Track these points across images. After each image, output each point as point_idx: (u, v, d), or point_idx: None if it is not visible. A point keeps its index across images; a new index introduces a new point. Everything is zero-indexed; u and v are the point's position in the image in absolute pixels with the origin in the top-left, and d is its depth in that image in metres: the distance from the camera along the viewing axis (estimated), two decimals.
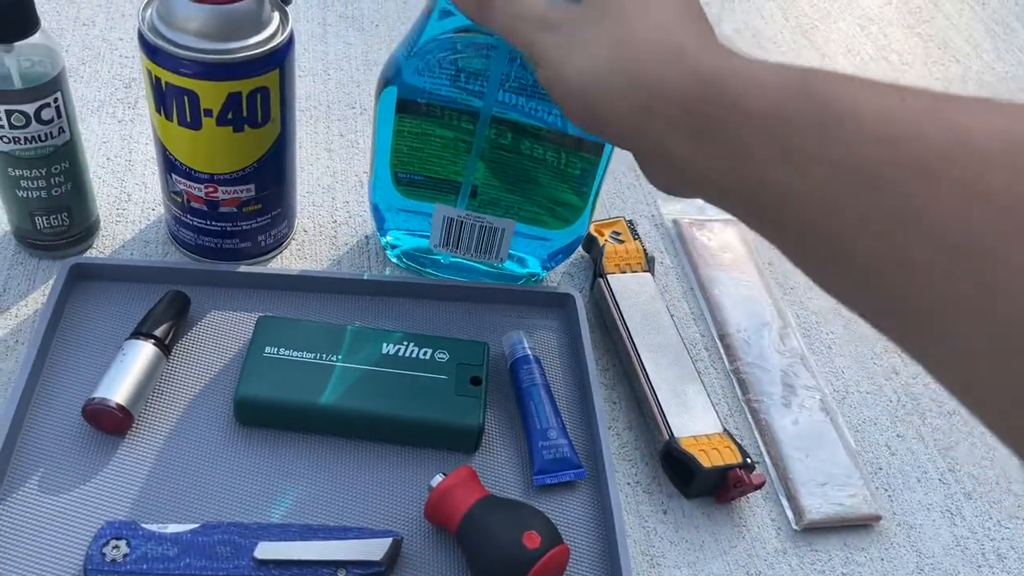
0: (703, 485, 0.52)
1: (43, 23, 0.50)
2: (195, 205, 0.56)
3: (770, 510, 0.53)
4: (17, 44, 0.48)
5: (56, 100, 0.51)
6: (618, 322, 0.58)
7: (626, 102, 0.34)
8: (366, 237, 0.64)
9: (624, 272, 0.61)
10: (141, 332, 0.52)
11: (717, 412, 0.55)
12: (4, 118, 0.50)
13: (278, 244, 0.61)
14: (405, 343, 0.54)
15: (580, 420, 0.55)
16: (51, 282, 0.57)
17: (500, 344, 0.58)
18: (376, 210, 0.60)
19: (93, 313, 0.55)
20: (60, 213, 0.56)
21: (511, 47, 0.43)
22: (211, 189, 0.55)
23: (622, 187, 0.72)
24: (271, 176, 0.56)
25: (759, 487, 0.51)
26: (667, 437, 0.53)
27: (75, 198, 0.56)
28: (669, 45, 0.34)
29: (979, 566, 0.53)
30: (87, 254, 0.59)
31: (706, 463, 0.51)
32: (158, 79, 0.50)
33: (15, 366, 0.53)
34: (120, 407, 0.48)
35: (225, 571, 0.44)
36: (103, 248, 0.60)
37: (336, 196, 0.66)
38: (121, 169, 0.65)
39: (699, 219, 0.69)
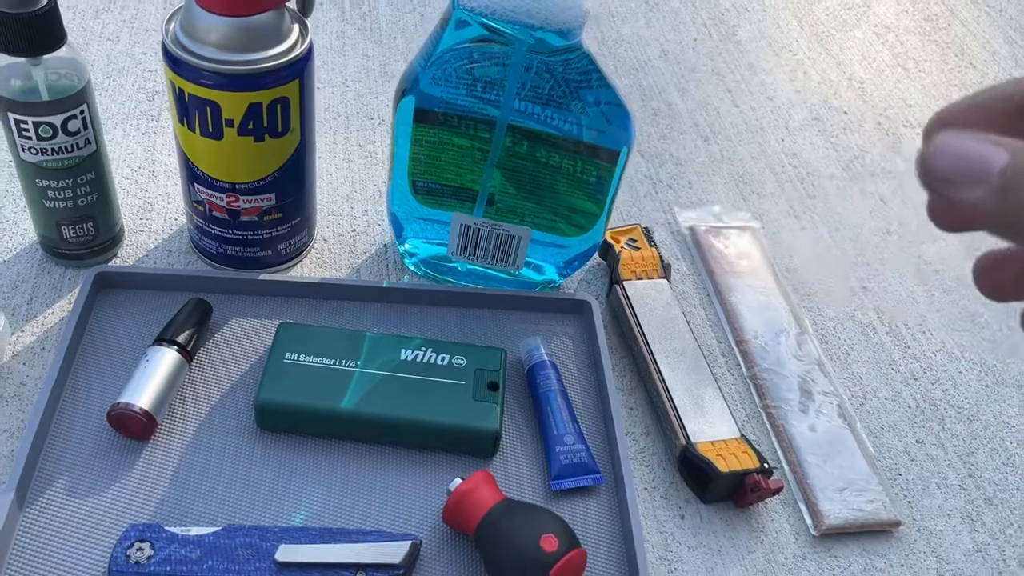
0: (720, 490, 0.52)
1: (69, 37, 0.51)
2: (217, 214, 0.57)
3: (788, 515, 0.53)
4: (44, 58, 0.50)
5: (82, 112, 0.52)
6: (635, 328, 0.59)
7: None
8: (385, 246, 0.65)
9: (640, 279, 0.62)
10: (164, 339, 0.52)
11: (734, 417, 0.55)
12: (32, 129, 0.51)
13: (298, 253, 0.62)
14: (423, 349, 0.54)
15: (597, 425, 0.55)
16: (76, 290, 0.58)
17: (518, 350, 0.58)
18: (394, 219, 0.60)
19: (117, 321, 0.56)
20: (85, 223, 0.57)
21: (526, 56, 0.44)
22: (232, 198, 0.56)
23: (639, 195, 0.72)
24: (291, 185, 0.57)
25: (777, 492, 0.51)
26: (684, 442, 0.53)
27: (100, 208, 0.57)
28: None
29: (1000, 572, 0.52)
30: (111, 263, 0.60)
31: (723, 468, 0.51)
32: (181, 90, 0.51)
33: (42, 372, 0.54)
34: (144, 412, 0.49)
35: (247, 573, 0.44)
36: (127, 257, 0.61)
37: (355, 205, 0.67)
38: (145, 180, 0.66)
39: (715, 226, 0.69)
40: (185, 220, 0.63)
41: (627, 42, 0.88)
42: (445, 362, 0.54)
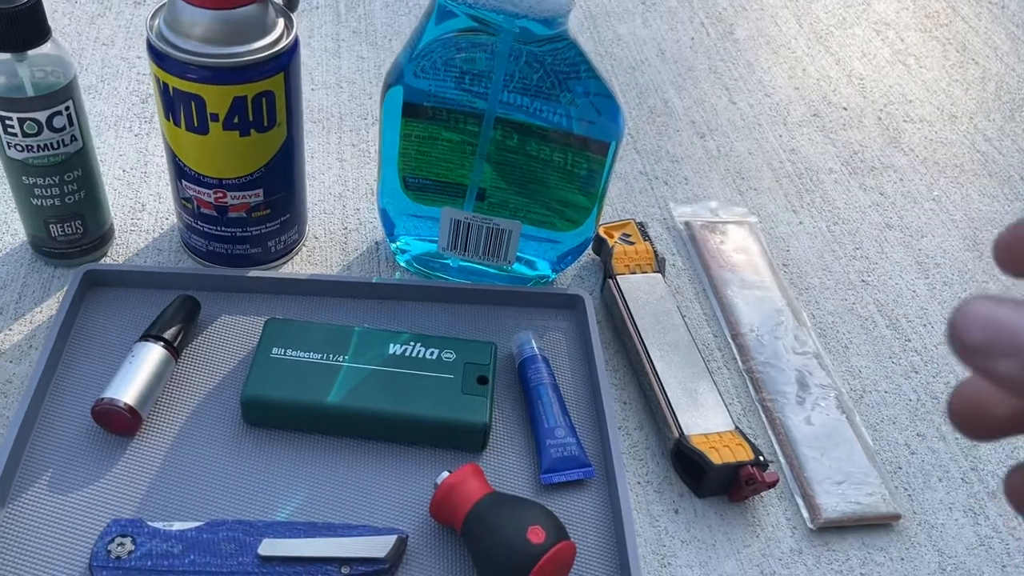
0: (714, 483, 0.51)
1: (56, 35, 0.51)
2: (205, 211, 0.56)
3: (785, 509, 0.52)
4: (29, 54, 0.50)
5: (68, 108, 0.52)
6: (627, 321, 0.58)
7: None
8: (376, 243, 0.64)
9: (634, 273, 0.61)
10: (151, 335, 0.52)
11: (729, 410, 0.54)
12: (17, 126, 0.51)
13: (288, 250, 0.61)
14: (412, 343, 0.54)
15: (590, 420, 0.54)
16: (65, 288, 0.57)
17: (510, 345, 0.58)
18: (385, 215, 0.60)
19: (105, 318, 0.56)
20: (74, 221, 0.57)
21: (513, 44, 0.43)
22: (220, 194, 0.55)
23: (634, 191, 0.72)
24: (279, 181, 0.56)
25: (772, 485, 0.50)
26: (677, 435, 0.52)
27: (88, 206, 0.57)
28: None
29: (1004, 566, 0.51)
30: (101, 262, 0.60)
31: (716, 460, 0.50)
32: (166, 85, 0.51)
33: (29, 370, 0.53)
34: (129, 407, 0.49)
35: (229, 568, 0.44)
36: (117, 256, 0.61)
37: (347, 204, 0.67)
38: (136, 180, 0.66)
39: (711, 221, 0.68)
40: (175, 219, 0.63)
41: (624, 42, 0.88)
42: (434, 356, 0.53)
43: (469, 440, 0.51)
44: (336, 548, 0.45)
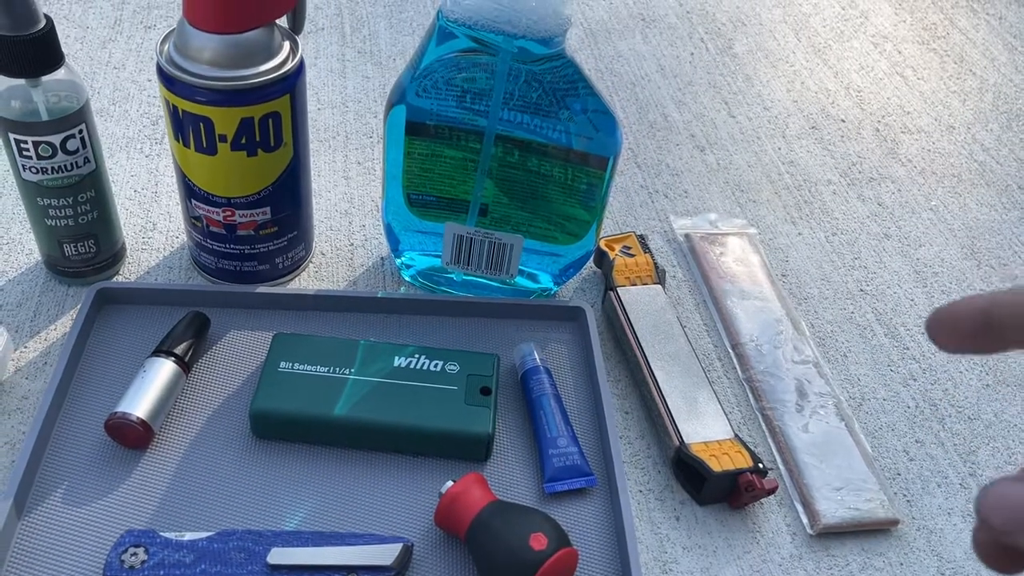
0: (715, 490, 0.52)
1: (69, 61, 0.52)
2: (214, 229, 0.58)
3: (785, 515, 0.53)
4: (43, 79, 0.51)
5: (81, 131, 0.53)
6: (628, 332, 0.59)
7: None
8: (381, 259, 0.66)
9: (634, 284, 0.62)
10: (162, 350, 0.53)
11: (728, 419, 0.55)
12: (32, 149, 0.53)
13: (296, 266, 0.63)
14: (416, 356, 0.55)
15: (592, 429, 0.55)
16: (78, 306, 0.59)
17: (512, 357, 0.59)
18: (390, 231, 0.61)
19: (117, 335, 0.57)
20: (87, 240, 0.58)
21: (512, 64, 0.44)
22: (228, 213, 0.57)
23: (634, 205, 0.73)
24: (286, 199, 0.58)
25: (772, 492, 0.51)
26: (677, 443, 0.53)
27: (101, 225, 0.58)
28: None
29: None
30: (113, 280, 0.61)
31: (716, 468, 0.51)
32: (175, 107, 0.52)
33: (44, 386, 0.55)
34: (141, 421, 0.50)
35: None
36: (129, 275, 0.62)
37: (353, 220, 0.68)
38: (147, 200, 0.68)
39: (711, 233, 0.69)
40: (185, 238, 0.65)
41: (624, 58, 0.90)
42: (438, 368, 0.54)
43: (473, 450, 0.52)
44: (343, 556, 0.46)
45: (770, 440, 0.57)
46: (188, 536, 0.46)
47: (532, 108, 0.53)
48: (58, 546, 0.47)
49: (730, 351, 0.62)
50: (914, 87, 0.91)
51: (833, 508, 0.53)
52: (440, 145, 0.55)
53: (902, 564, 0.52)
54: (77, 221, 0.57)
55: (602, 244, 0.65)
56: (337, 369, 0.54)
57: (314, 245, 0.65)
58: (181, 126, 0.53)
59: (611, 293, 0.62)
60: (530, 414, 0.55)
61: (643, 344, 0.58)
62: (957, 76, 0.93)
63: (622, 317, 0.60)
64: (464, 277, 0.62)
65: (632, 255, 0.64)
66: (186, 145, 0.54)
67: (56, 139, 0.53)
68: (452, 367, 0.54)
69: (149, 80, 0.79)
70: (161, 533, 0.46)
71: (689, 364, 0.57)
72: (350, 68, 0.84)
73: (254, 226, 0.58)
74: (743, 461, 0.52)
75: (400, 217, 0.60)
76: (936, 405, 0.61)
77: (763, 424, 0.58)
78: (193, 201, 0.57)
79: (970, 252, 0.73)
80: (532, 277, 0.62)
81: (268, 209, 0.57)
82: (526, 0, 0.49)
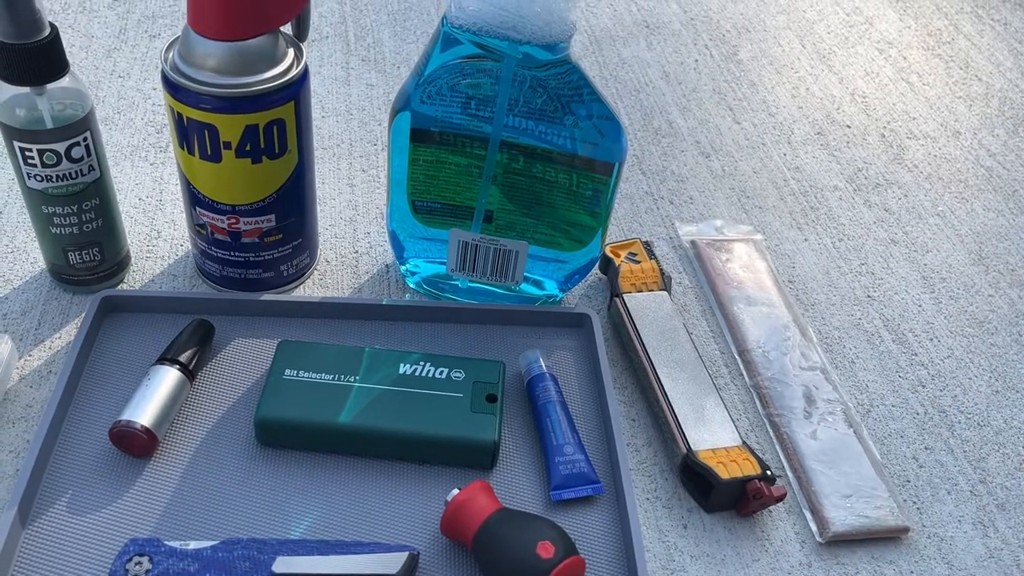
0: (722, 498, 0.52)
1: (74, 69, 0.52)
2: (219, 237, 0.58)
3: (794, 523, 0.53)
4: (48, 88, 0.51)
5: (85, 139, 0.53)
6: (634, 339, 0.59)
7: None
8: (386, 266, 0.65)
9: (640, 291, 0.62)
10: (166, 358, 0.53)
11: (736, 426, 0.54)
12: (37, 157, 0.53)
13: (300, 274, 0.63)
14: (422, 363, 0.54)
15: (599, 437, 0.55)
16: (83, 315, 0.59)
17: (518, 364, 0.58)
18: (394, 238, 0.61)
19: (122, 343, 0.57)
20: (91, 248, 0.58)
21: (516, 70, 0.44)
22: (233, 220, 0.57)
23: (640, 212, 0.73)
24: (291, 206, 0.58)
25: (780, 499, 0.51)
26: (685, 450, 0.52)
27: (106, 233, 0.58)
28: None
29: None
30: (118, 288, 0.61)
31: (724, 475, 0.51)
32: (180, 115, 0.52)
33: (48, 394, 0.54)
34: (145, 429, 0.50)
35: None
36: (133, 283, 0.62)
37: (358, 228, 0.68)
38: (152, 208, 0.68)
39: (717, 239, 0.69)
40: (190, 246, 0.65)
41: (628, 65, 0.89)
42: (443, 375, 0.54)
43: (478, 458, 0.52)
44: (348, 565, 0.45)
45: (778, 447, 0.56)
46: (193, 545, 0.46)
47: (537, 114, 0.53)
48: (62, 555, 0.46)
49: (737, 358, 0.62)
50: (919, 93, 0.91)
51: (842, 516, 0.52)
52: (445, 152, 0.55)
53: (912, 572, 0.51)
54: (82, 229, 0.57)
55: (607, 251, 0.65)
56: (342, 377, 0.53)
57: (319, 252, 0.65)
58: (186, 133, 0.53)
59: (617, 300, 0.61)
60: (536, 421, 0.55)
61: (649, 351, 0.58)
62: (963, 81, 0.93)
63: (628, 324, 0.60)
64: (469, 284, 0.62)
65: (638, 261, 0.64)
66: (191, 152, 0.54)
67: (61, 147, 0.53)
68: (457, 374, 0.54)
69: (154, 89, 0.79)
70: (166, 542, 0.46)
71: (696, 371, 0.57)
72: (354, 76, 0.84)
73: (259, 233, 0.58)
74: (751, 468, 0.51)
75: (405, 224, 0.59)
76: (945, 412, 0.60)
77: (771, 431, 0.57)
78: (198, 209, 0.57)
79: (978, 257, 0.72)
80: (537, 284, 0.61)
81: (273, 216, 0.57)
82: (531, 6, 0.49)
